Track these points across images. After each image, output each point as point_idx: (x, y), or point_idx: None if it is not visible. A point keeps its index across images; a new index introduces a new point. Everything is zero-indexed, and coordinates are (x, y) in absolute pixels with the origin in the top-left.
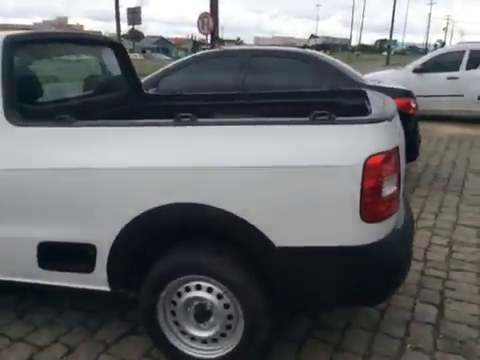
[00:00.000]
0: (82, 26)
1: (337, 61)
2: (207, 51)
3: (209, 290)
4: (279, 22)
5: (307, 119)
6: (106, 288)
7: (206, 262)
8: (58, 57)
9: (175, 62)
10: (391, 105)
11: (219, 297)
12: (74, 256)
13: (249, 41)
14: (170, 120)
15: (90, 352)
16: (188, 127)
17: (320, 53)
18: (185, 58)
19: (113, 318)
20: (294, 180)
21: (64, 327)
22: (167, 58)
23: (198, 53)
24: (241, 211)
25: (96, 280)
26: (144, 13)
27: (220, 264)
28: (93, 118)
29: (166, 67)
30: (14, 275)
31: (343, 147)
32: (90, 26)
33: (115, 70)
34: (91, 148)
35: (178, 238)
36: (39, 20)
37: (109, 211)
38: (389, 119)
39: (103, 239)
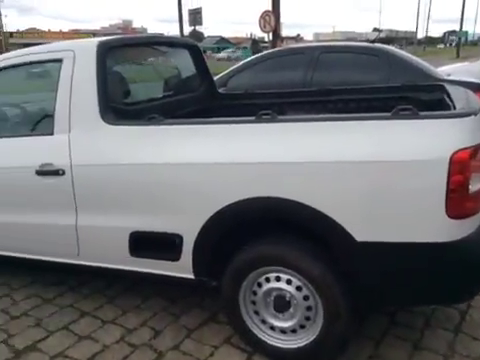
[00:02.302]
0: (146, 29)
1: (410, 55)
2: (274, 50)
3: (288, 282)
4: (339, 16)
5: (390, 114)
6: (191, 276)
7: (286, 254)
8: (142, 60)
9: (243, 62)
10: (475, 100)
11: (298, 289)
12: (162, 245)
13: (309, 37)
14: (252, 117)
15: (175, 336)
16: (269, 124)
17: (392, 47)
18: (252, 57)
19: (193, 306)
20: (376, 175)
21: (149, 312)
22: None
23: (265, 52)
24: (321, 205)
25: (182, 268)
26: (205, 14)
27: (300, 257)
28: (173, 117)
29: (234, 67)
30: (107, 262)
31: (428, 142)
32: (153, 28)
33: (191, 71)
34: (178, 145)
35: (260, 230)
36: (106, 24)
37: (195, 203)
38: (475, 113)
39: (189, 229)
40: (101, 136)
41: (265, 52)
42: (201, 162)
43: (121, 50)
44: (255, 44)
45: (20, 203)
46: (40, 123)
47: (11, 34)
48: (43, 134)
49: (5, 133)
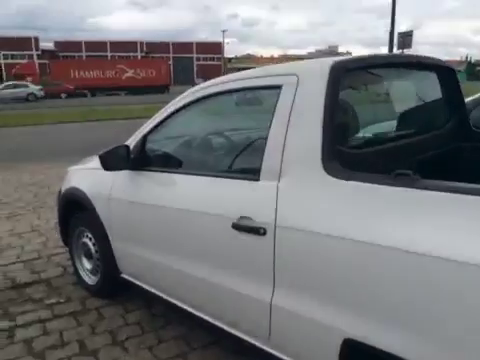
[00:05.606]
0: (350, 53)
1: None
2: None
3: None
4: None
5: None
6: None
7: None
8: (376, 86)
9: None
10: None
11: None
12: None
13: None
14: None
15: None
16: None
17: None
18: None
19: None
20: None
21: None
22: None
23: None
24: None
25: None
26: (415, 36)
27: None
28: (409, 166)
29: None
30: None
31: None
32: (358, 53)
33: (438, 100)
34: (440, 224)
35: None
36: (312, 50)
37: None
38: None
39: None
40: (318, 190)
41: None
42: (467, 261)
43: (358, 74)
44: (471, 67)
45: (207, 256)
46: (245, 163)
47: (229, 60)
48: (248, 178)
49: (205, 170)
